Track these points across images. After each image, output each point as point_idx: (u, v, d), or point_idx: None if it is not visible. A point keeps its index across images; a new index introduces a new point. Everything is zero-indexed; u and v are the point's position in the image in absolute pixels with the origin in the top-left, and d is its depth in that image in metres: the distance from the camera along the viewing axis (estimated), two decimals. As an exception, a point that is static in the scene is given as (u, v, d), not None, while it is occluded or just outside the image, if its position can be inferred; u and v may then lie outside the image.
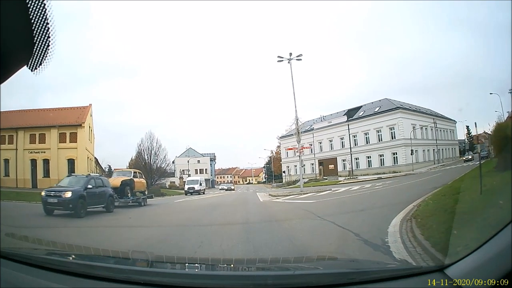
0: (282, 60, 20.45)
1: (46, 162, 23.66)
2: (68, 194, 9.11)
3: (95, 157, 29.53)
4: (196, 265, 2.27)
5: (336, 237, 4.76)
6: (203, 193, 27.77)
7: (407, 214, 6.03)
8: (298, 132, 21.32)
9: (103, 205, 10.72)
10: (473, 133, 47.57)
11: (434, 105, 41.03)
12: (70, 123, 24.39)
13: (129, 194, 13.26)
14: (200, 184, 29.09)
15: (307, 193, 16.75)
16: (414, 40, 72.99)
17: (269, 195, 18.93)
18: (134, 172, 15.34)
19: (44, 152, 23.92)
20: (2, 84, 1.20)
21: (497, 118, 29.77)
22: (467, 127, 46.22)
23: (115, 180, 13.35)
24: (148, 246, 4.52)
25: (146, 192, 15.79)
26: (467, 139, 46.02)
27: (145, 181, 15.98)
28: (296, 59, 20.44)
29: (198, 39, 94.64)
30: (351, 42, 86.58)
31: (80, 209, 9.18)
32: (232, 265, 2.36)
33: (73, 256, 2.11)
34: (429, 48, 68.78)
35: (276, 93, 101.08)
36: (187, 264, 2.23)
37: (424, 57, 70.28)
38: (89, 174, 11.77)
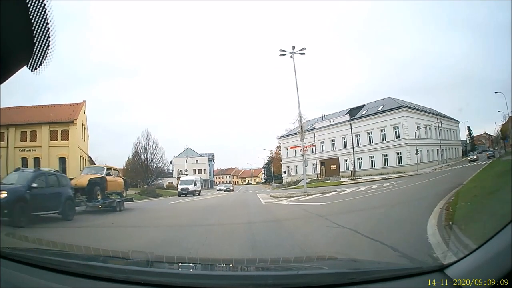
0: (285, 54, 20.23)
1: (37, 160, 23.58)
2: (3, 195, 7.03)
3: (89, 156, 29.51)
4: (196, 265, 2.31)
5: (370, 253, 4.02)
6: (198, 194, 26.99)
7: (439, 218, 5.41)
8: (302, 130, 20.81)
9: (57, 211, 8.44)
10: (474, 133, 48.71)
11: (434, 105, 42.14)
12: (61, 120, 24.30)
13: (99, 196, 11.01)
14: (195, 185, 27.97)
15: (312, 195, 16.24)
16: (414, 40, 74.83)
17: (271, 196, 18.49)
18: (107, 169, 12.83)
19: (35, 150, 23.86)
20: (2, 84, 1.23)
21: (503, 117, 30.25)
22: (468, 127, 47.01)
23: (81, 179, 11.19)
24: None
25: (125, 194, 13.68)
26: (469, 140, 46.67)
27: (122, 181, 13.70)
28: (299, 53, 20.23)
29: (197, 40, 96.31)
30: (352, 42, 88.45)
31: (18, 215, 7.01)
32: (232, 265, 2.40)
33: (73, 256, 2.15)
34: (430, 48, 70.52)
35: (275, 93, 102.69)
36: (187, 264, 2.28)
37: (424, 57, 71.96)
38: (38, 169, 9.40)
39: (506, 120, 29.57)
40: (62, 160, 24.00)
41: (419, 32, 79.58)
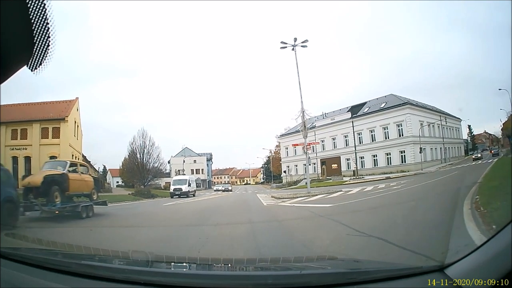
0: (286, 47, 20.02)
1: (27, 159, 23.54)
2: None
3: (83, 155, 29.40)
4: (196, 265, 2.37)
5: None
6: (193, 195, 25.76)
7: (476, 221, 4.78)
8: (305, 126, 20.33)
9: None
10: (474, 132, 50.10)
11: (435, 105, 43.47)
12: (52, 117, 24.19)
13: (57, 199, 9.02)
14: (189, 185, 26.43)
15: (316, 195, 15.59)
16: (415, 40, 75.89)
17: (272, 197, 17.98)
18: (71, 164, 10.66)
19: (26, 149, 23.77)
20: (2, 84, 1.27)
21: (506, 114, 30.77)
22: (469, 126, 48.05)
23: (35, 176, 9.51)
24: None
25: (96, 196, 11.28)
26: (470, 139, 47.74)
27: (91, 179, 11.36)
28: (301, 46, 19.98)
29: (195, 39, 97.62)
30: (352, 42, 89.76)
31: None
32: (232, 265, 2.46)
33: (73, 256, 2.21)
34: (431, 48, 71.05)
35: (274, 92, 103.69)
36: (187, 264, 2.33)
37: (424, 57, 72.75)
38: None
39: (508, 118, 30.10)
40: (53, 159, 23.92)
41: (421, 32, 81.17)
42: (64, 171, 9.83)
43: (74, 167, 10.75)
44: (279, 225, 7.74)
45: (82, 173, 10.95)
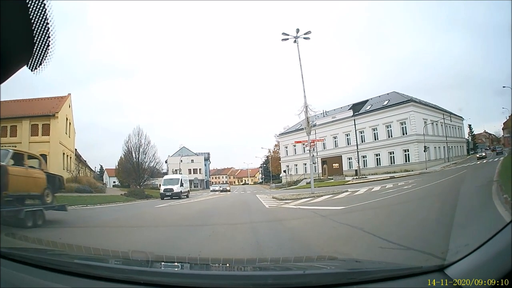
0: (288, 39, 20.02)
1: (17, 158, 23.37)
2: None
3: (77, 154, 29.27)
4: (196, 265, 2.44)
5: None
6: (186, 196, 24.90)
7: None
8: (308, 123, 20.04)
9: None
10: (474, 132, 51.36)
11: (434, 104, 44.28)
12: (42, 114, 23.90)
13: None
14: (182, 185, 25.12)
15: (321, 196, 15.06)
16: (415, 40, 77.18)
17: (273, 198, 17.48)
18: (15, 154, 8.22)
19: (15, 146, 23.62)
20: (2, 84, 1.31)
21: (509, 113, 31.19)
22: (470, 125, 49.22)
23: None
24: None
25: (49, 199, 8.89)
26: (470, 138, 48.90)
27: (43, 176, 8.83)
28: (304, 38, 19.98)
29: (194, 39, 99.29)
30: (352, 42, 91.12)
31: None
32: (232, 265, 2.50)
33: (73, 256, 2.26)
34: (431, 48, 72.67)
35: (273, 92, 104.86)
36: (187, 264, 2.40)
37: (425, 57, 74.31)
38: None
39: (509, 117, 30.49)
40: (43, 158, 23.74)
41: (419, 32, 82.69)
42: (3, 163, 7.48)
43: (21, 160, 8.34)
44: (287, 233, 6.55)
45: (30, 167, 8.63)
